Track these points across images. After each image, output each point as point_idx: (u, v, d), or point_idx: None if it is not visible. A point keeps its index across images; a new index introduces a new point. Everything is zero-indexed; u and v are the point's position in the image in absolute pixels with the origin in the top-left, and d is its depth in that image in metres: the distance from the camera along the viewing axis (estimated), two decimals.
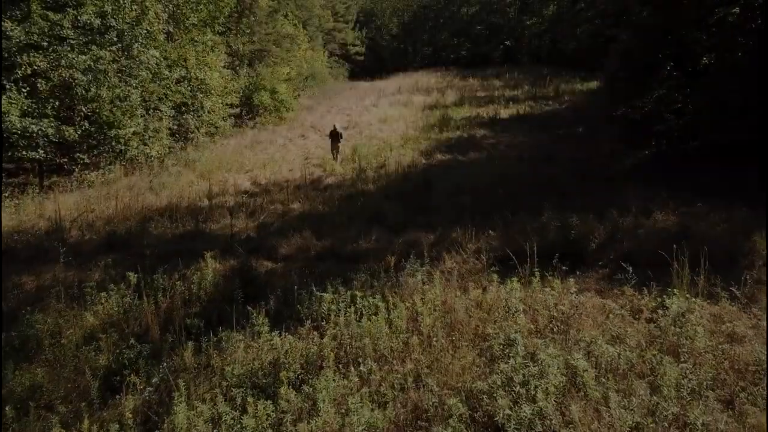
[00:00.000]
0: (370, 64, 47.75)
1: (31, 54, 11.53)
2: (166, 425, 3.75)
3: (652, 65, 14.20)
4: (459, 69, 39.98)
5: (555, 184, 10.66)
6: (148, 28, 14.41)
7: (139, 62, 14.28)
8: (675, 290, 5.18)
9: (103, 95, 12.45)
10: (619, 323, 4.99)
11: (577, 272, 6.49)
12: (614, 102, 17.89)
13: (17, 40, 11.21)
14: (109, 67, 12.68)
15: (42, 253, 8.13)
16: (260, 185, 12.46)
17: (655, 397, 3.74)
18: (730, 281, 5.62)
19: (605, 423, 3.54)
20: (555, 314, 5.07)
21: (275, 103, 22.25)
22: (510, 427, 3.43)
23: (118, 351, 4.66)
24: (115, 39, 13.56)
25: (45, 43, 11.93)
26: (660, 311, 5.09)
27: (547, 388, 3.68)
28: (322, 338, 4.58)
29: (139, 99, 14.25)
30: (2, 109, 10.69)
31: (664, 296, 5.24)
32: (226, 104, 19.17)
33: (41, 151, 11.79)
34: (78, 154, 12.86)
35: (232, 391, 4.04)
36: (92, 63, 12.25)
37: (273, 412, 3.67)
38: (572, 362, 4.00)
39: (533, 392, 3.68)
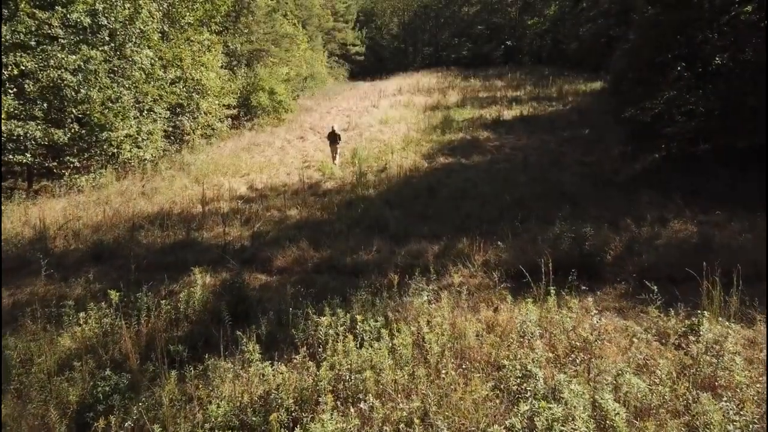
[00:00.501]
0: (370, 64, 47.33)
1: (19, 54, 11.08)
2: None
3: (661, 65, 13.75)
4: (460, 69, 39.53)
5: (564, 190, 10.22)
6: (142, 27, 13.97)
7: (132, 62, 13.84)
8: (705, 312, 4.72)
9: (93, 96, 12.00)
10: (645, 350, 4.54)
11: (594, 288, 6.04)
12: (621, 103, 17.43)
13: (3, 39, 10.76)
14: (100, 67, 12.23)
15: (24, 264, 7.69)
16: (257, 190, 12.01)
17: None
18: (760, 299, 5.18)
19: None
20: (575, 339, 4.62)
21: (273, 104, 21.81)
22: None
23: (92, 383, 4.21)
24: (107, 38, 13.13)
25: (33, 43, 11.50)
26: (690, 335, 4.64)
27: None
28: (318, 369, 4.12)
29: (132, 100, 13.80)
30: None
31: (693, 318, 4.79)
32: (223, 105, 18.72)
33: (29, 155, 11.34)
34: (68, 158, 12.40)
35: None
36: (82, 63, 11.80)
37: None
38: (600, 401, 3.55)
39: None
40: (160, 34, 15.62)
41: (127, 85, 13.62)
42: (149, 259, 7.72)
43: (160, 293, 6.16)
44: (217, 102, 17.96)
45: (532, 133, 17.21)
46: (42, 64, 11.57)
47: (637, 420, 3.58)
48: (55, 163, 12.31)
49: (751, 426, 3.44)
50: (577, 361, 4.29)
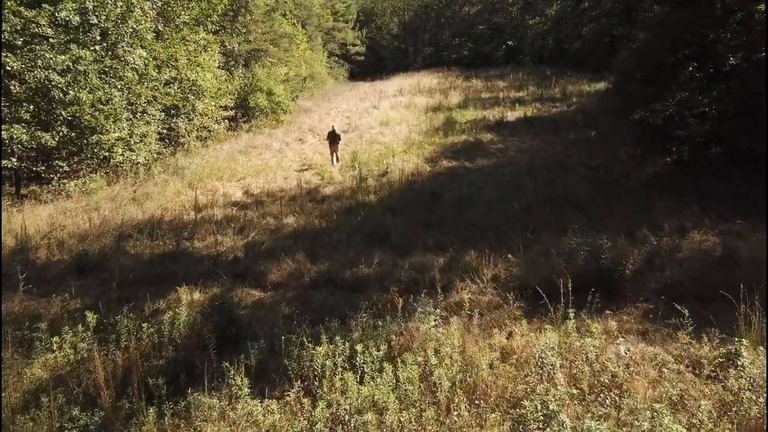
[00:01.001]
0: (370, 65, 46.88)
1: (4, 54, 10.61)
2: None
3: (672, 66, 13.29)
4: (461, 69, 39.06)
5: (573, 196, 9.75)
6: (134, 26, 13.49)
7: (125, 62, 13.36)
8: (744, 340, 4.25)
9: (83, 98, 11.52)
10: (678, 382, 4.08)
11: (614, 308, 5.58)
12: (628, 104, 16.98)
13: None
14: (90, 67, 11.76)
15: (2, 278, 7.21)
16: (253, 195, 11.54)
17: None
18: None
19: None
20: (599, 371, 4.15)
21: (272, 105, 21.34)
22: None
23: (59, 424, 3.74)
24: (98, 38, 12.66)
25: (20, 42, 11.04)
26: (727, 366, 4.17)
27: None
28: (314, 407, 3.66)
29: (125, 102, 13.33)
30: None
31: (729, 346, 4.33)
32: (220, 107, 18.24)
33: (14, 159, 10.88)
34: (57, 162, 11.93)
35: None
36: (71, 63, 11.33)
37: None
38: None
39: None
40: (154, 34, 15.15)
41: (119, 86, 13.15)
42: (136, 271, 7.25)
43: (144, 313, 5.69)
44: (213, 103, 17.48)
45: (536, 135, 16.75)
46: (29, 65, 11.11)
47: None
48: (44, 168, 11.84)
49: None
50: (606, 400, 3.82)
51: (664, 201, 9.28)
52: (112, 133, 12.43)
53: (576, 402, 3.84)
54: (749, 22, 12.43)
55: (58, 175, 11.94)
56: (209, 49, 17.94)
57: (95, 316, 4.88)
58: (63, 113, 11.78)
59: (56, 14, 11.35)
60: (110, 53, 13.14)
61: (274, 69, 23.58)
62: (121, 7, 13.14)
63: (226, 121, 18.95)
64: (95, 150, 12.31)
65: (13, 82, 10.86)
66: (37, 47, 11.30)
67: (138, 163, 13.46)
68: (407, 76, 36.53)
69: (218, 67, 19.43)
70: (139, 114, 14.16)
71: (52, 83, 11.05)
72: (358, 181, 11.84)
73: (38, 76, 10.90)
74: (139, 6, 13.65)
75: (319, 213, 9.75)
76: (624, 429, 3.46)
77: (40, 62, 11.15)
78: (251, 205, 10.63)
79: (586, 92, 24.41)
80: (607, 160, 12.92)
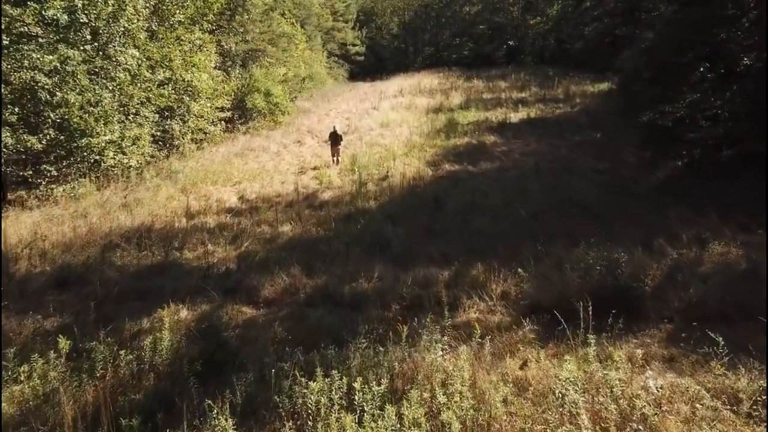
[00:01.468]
0: (370, 65, 46.42)
1: None
2: None
3: (682, 66, 12.87)
4: (462, 69, 38.61)
5: (583, 203, 9.32)
6: (127, 25, 13.03)
7: (117, 63, 12.91)
8: None
9: (71, 100, 11.07)
10: (715, 421, 3.64)
11: (635, 329, 5.14)
12: (634, 105, 16.57)
13: None
14: (79, 68, 11.31)
15: None
16: (248, 201, 11.10)
17: None
18: None
19: None
20: (626, 407, 3.71)
21: (270, 107, 20.88)
22: None
23: None
24: (89, 37, 12.20)
25: (6, 42, 10.59)
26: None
27: None
28: None
29: (116, 103, 12.88)
30: None
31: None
32: (216, 108, 17.79)
33: None
34: (44, 166, 11.47)
35: None
36: (59, 64, 10.88)
37: None
38: None
39: None
40: (147, 33, 14.70)
41: (110, 87, 12.69)
42: (121, 285, 6.81)
43: (124, 335, 5.24)
44: (209, 104, 17.02)
45: (540, 137, 16.31)
46: (16, 65, 10.66)
47: None
48: (31, 172, 11.39)
49: None
50: None
51: (679, 208, 8.85)
52: (102, 135, 11.98)
53: None
54: (761, 21, 11.99)
55: (46, 179, 11.49)
56: (205, 48, 17.49)
57: (68, 342, 4.44)
58: (51, 115, 11.34)
59: (43, 13, 10.90)
60: (101, 53, 12.69)
61: (272, 69, 23.13)
62: (113, 5, 12.68)
63: (222, 122, 18.50)
64: (85, 153, 11.86)
65: None
66: (25, 47, 10.86)
67: (130, 166, 13.01)
68: (407, 76, 36.09)
69: (215, 68, 18.96)
70: (131, 116, 13.71)
71: (39, 84, 10.61)
72: (357, 186, 11.40)
73: (24, 77, 10.45)
74: (131, 4, 13.19)
75: (317, 220, 9.31)
76: None
77: (26, 63, 10.71)
78: (246, 212, 10.19)
79: (589, 93, 23.97)
80: (615, 164, 12.47)
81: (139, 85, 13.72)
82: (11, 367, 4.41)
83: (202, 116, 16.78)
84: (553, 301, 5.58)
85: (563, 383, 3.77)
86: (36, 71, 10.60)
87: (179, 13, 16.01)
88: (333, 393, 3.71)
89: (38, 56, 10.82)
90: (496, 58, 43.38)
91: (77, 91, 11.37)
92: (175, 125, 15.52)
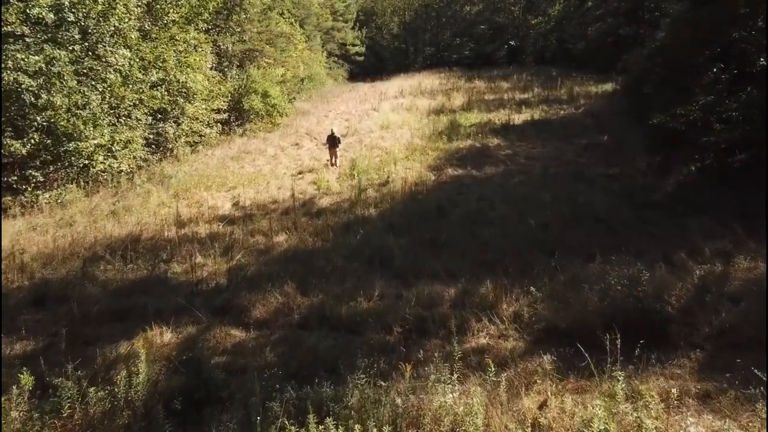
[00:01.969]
0: (370, 65, 45.91)
1: None
2: None
3: (694, 66, 12.38)
4: (463, 70, 38.11)
5: (596, 213, 8.82)
6: (117, 24, 12.55)
7: (107, 63, 12.42)
8: None
9: (57, 102, 10.58)
10: None
11: (662, 357, 4.66)
12: (642, 107, 16.09)
13: None
14: (66, 69, 10.82)
15: None
16: (243, 208, 10.61)
17: None
18: None
19: None
20: None
21: (267, 108, 20.38)
22: None
23: None
24: (77, 37, 11.72)
25: None
26: None
27: None
28: None
29: (106, 105, 12.39)
30: None
31: None
32: (212, 109, 17.29)
33: None
34: (31, 171, 10.98)
35: None
36: (44, 65, 10.40)
37: None
38: None
39: None
40: (140, 33, 14.20)
41: (100, 89, 12.20)
42: (102, 304, 6.32)
43: (98, 366, 4.75)
44: (204, 106, 16.53)
45: (545, 140, 15.83)
46: None
47: None
48: (15, 177, 10.89)
49: None
50: None
51: (697, 217, 8.37)
52: (91, 139, 11.49)
53: None
54: None
55: (32, 185, 11.00)
56: (200, 48, 17.00)
57: (30, 379, 3.96)
58: (38, 119, 10.85)
59: (28, 11, 10.42)
60: (91, 53, 12.21)
61: (270, 70, 22.63)
62: (103, 3, 12.19)
63: (218, 124, 18.00)
64: (73, 158, 11.38)
65: None
66: (11, 47, 10.39)
67: (121, 171, 12.52)
68: (408, 76, 35.60)
69: (210, 68, 18.50)
70: (123, 118, 13.23)
71: (23, 86, 10.12)
72: (357, 192, 10.91)
73: (7, 78, 9.97)
74: (122, 2, 12.71)
75: (314, 230, 8.81)
76: None
77: (11, 63, 10.23)
78: (240, 220, 9.70)
79: (593, 94, 23.49)
80: (625, 169, 12.00)
81: (130, 86, 13.24)
82: None
83: (197, 118, 16.29)
84: (570, 324, 5.11)
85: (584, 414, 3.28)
86: (20, 72, 10.12)
87: (173, 12, 15.53)
88: None
89: (23, 57, 10.34)
90: (497, 59, 42.91)
91: (64, 93, 10.88)
92: (168, 128, 15.02)
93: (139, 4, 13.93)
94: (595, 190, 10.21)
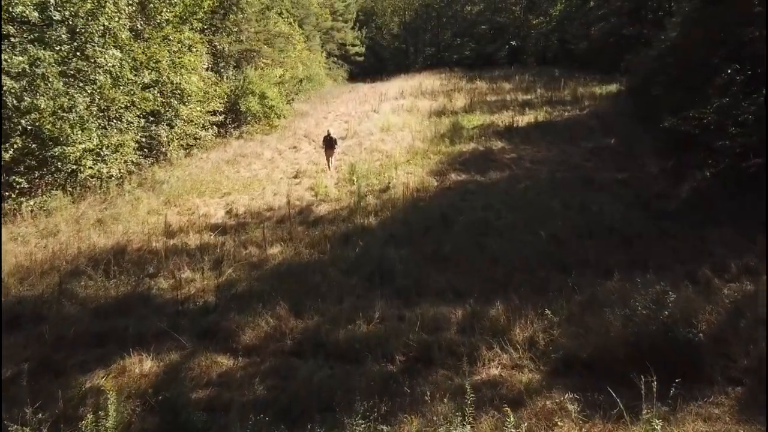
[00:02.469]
0: (370, 65, 45.41)
1: None
2: None
3: (709, 67, 11.89)
4: (463, 70, 37.60)
5: (608, 222, 8.32)
6: (107, 23, 12.05)
7: (96, 64, 11.92)
8: None
9: (41, 105, 10.09)
10: None
11: (696, 393, 4.17)
12: (651, 109, 15.60)
13: None
14: (50, 70, 10.32)
15: None
16: (236, 216, 10.11)
17: None
18: None
19: None
20: None
21: (264, 110, 19.88)
22: None
23: None
24: (64, 36, 11.21)
25: None
26: None
27: None
28: None
29: (95, 108, 11.89)
30: None
31: None
32: (208, 111, 16.78)
33: None
34: (14, 177, 10.48)
35: None
36: (27, 66, 9.91)
37: None
38: None
39: None
40: (132, 33, 13.70)
41: (89, 91, 11.70)
42: (79, 325, 5.82)
43: (63, 406, 4.25)
44: (199, 108, 16.02)
45: (551, 142, 15.35)
46: None
47: None
48: None
49: None
50: None
51: (717, 227, 7.88)
52: (78, 143, 10.98)
53: None
54: None
55: (16, 192, 10.49)
56: (195, 49, 16.49)
57: None
58: (22, 122, 10.35)
59: (11, 9, 9.93)
60: (79, 54, 11.71)
61: (267, 70, 22.13)
62: (92, 1, 11.70)
63: (214, 127, 17.49)
64: (59, 163, 10.88)
65: None
66: None
67: (111, 176, 12.02)
68: (408, 77, 35.09)
69: (206, 69, 17.99)
70: (113, 121, 12.72)
71: (5, 88, 9.63)
72: (356, 199, 10.42)
73: None
74: (111, 0, 12.20)
75: (310, 241, 8.31)
76: None
77: None
78: (233, 229, 9.20)
79: (598, 95, 22.99)
80: (636, 174, 11.52)
81: (121, 87, 12.74)
82: None
83: (191, 121, 15.78)
84: (591, 353, 4.62)
85: None
86: (2, 74, 9.62)
87: (167, 11, 15.03)
88: None
89: (6, 57, 9.85)
90: (498, 59, 42.42)
91: (49, 95, 10.38)
92: (161, 131, 14.51)
93: (131, 2, 13.42)
94: (606, 197, 9.71)
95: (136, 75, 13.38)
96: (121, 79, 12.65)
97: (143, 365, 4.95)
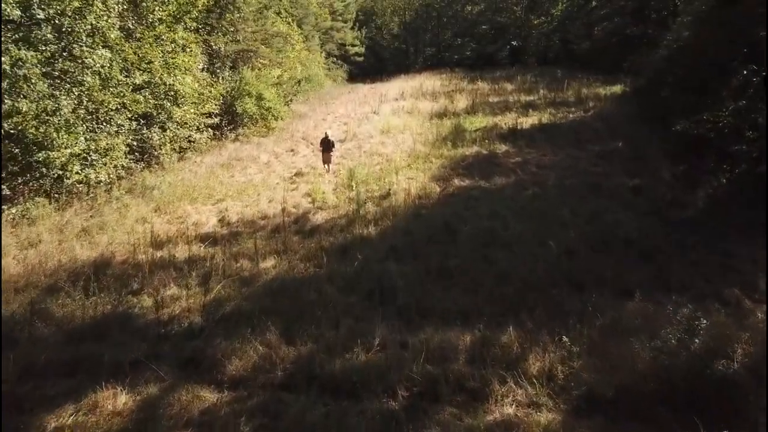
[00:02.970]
0: (370, 66, 44.98)
1: None
2: None
3: (723, 69, 11.41)
4: (464, 71, 37.11)
5: (624, 234, 7.81)
6: (95, 22, 11.55)
7: (83, 65, 11.42)
8: None
9: (23, 108, 9.59)
10: None
11: None
12: (659, 111, 15.13)
13: None
14: (33, 71, 9.82)
15: None
16: (228, 224, 9.61)
17: None
18: None
19: None
20: None
21: (261, 111, 19.37)
22: None
23: None
24: (50, 36, 10.71)
25: None
26: None
27: None
28: None
29: (83, 110, 11.40)
30: None
31: None
32: (202, 114, 16.28)
33: None
34: None
35: None
36: (8, 67, 9.41)
37: None
38: None
39: None
40: (123, 32, 13.19)
41: (76, 93, 11.20)
42: (51, 351, 5.32)
43: None
44: (193, 110, 15.52)
45: (556, 146, 14.85)
46: None
47: None
48: None
49: None
50: None
51: (738, 238, 7.39)
52: (64, 148, 10.48)
53: None
54: None
55: None
56: (190, 49, 15.99)
57: None
58: (4, 126, 9.85)
59: None
60: (66, 54, 11.20)
61: (265, 71, 21.62)
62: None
63: (209, 129, 16.99)
64: (44, 169, 10.38)
65: None
66: None
67: (100, 181, 11.51)
68: (409, 77, 34.62)
69: (201, 70, 17.48)
70: (103, 124, 12.21)
71: None
72: (356, 206, 9.92)
73: None
74: None
75: (306, 253, 7.81)
76: None
77: None
78: (224, 239, 8.70)
79: (602, 96, 22.50)
80: (648, 180, 11.00)
81: (111, 89, 12.23)
82: None
83: (185, 123, 15.28)
84: (618, 390, 4.12)
85: None
86: None
87: (159, 9, 14.52)
88: None
89: None
90: (499, 59, 42.00)
91: (32, 97, 9.88)
92: (154, 134, 14.00)
93: (121, 0, 12.92)
94: (619, 206, 9.21)
95: (126, 76, 12.88)
96: (110, 81, 12.14)
97: (117, 400, 4.45)
